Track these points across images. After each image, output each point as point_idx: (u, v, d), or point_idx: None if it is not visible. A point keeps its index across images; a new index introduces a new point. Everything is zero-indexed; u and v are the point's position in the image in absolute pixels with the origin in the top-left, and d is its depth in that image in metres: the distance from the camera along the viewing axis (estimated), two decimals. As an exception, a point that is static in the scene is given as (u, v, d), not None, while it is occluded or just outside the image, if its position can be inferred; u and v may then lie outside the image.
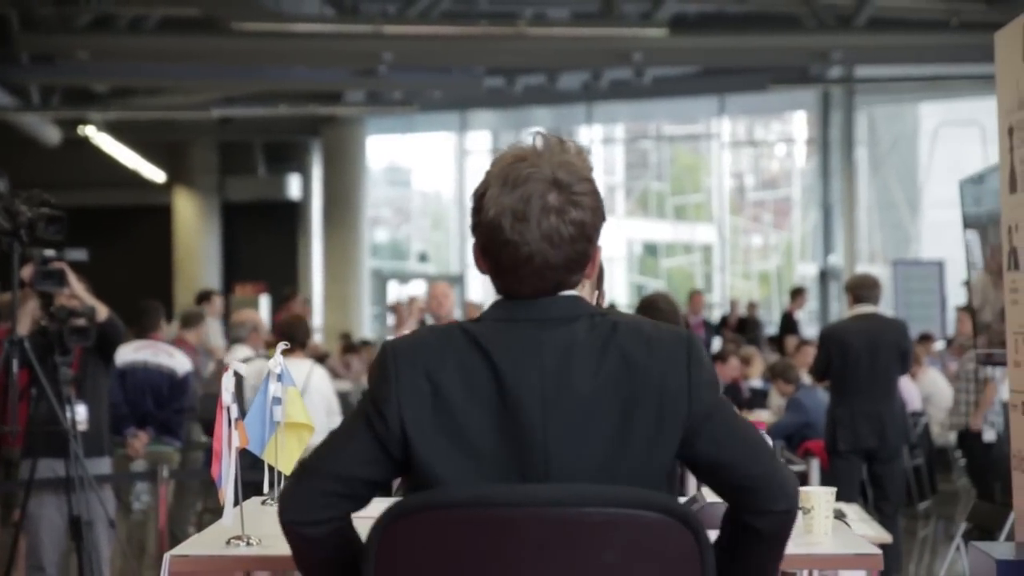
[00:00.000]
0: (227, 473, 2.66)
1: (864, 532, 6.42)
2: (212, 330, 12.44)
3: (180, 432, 8.35)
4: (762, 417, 10.48)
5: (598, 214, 2.41)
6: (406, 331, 4.36)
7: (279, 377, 3.18)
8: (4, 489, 7.59)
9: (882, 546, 7.04)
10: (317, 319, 20.41)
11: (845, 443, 7.68)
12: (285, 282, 20.02)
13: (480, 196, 2.40)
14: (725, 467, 2.33)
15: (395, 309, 13.77)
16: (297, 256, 22.46)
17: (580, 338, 2.35)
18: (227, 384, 2.68)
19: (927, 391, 11.74)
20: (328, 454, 2.34)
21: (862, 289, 7.99)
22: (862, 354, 7.75)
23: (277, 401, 3.17)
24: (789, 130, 24.00)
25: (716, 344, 14.73)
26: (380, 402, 2.31)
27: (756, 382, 11.72)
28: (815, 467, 7.54)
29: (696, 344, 2.38)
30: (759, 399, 11.35)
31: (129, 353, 8.14)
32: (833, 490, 2.79)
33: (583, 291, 2.49)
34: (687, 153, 24.36)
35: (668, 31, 15.25)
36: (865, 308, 7.95)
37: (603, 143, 23.68)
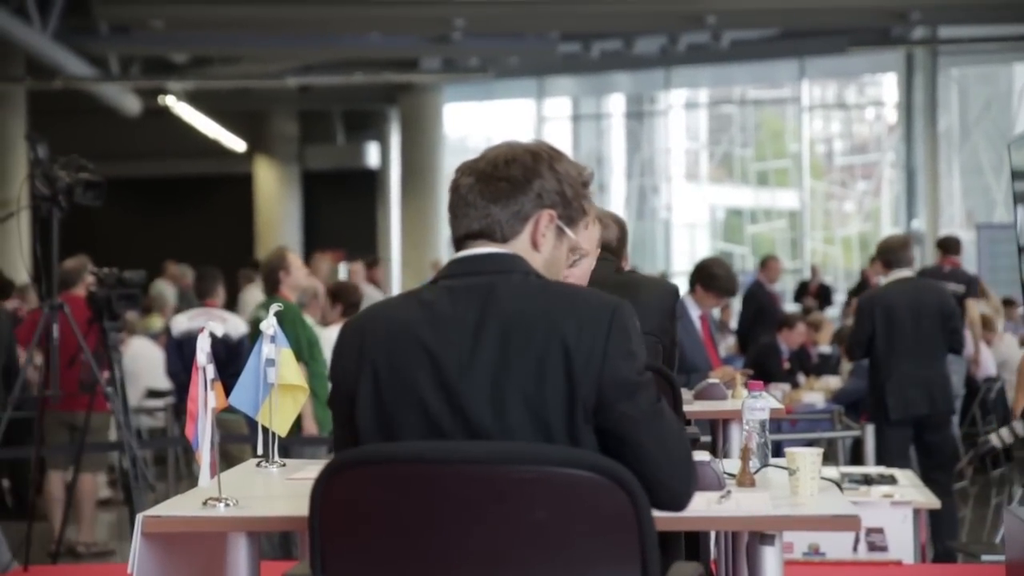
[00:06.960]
0: (203, 435, 2.66)
1: (914, 498, 6.35)
2: None
3: None
4: (831, 384, 10.36)
5: (555, 180, 2.46)
6: None
7: (272, 339, 3.20)
8: (68, 452, 7.69)
9: (935, 512, 6.94)
10: (395, 286, 20.49)
11: (896, 412, 7.48)
12: (365, 250, 20.09)
13: None
14: (628, 454, 2.30)
15: None
16: (376, 224, 22.56)
17: (502, 293, 2.36)
18: (203, 345, 2.67)
19: (1002, 356, 11.50)
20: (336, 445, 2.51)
21: (892, 253, 7.76)
22: (907, 319, 7.56)
23: (271, 363, 3.19)
24: (879, 93, 23.55)
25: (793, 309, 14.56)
26: (331, 378, 2.49)
27: (825, 348, 11.61)
28: (870, 433, 7.43)
29: (622, 314, 2.35)
30: (828, 364, 11.26)
31: (185, 322, 8.19)
32: (820, 451, 2.72)
33: (538, 262, 2.47)
34: (773, 118, 24.03)
35: (742, -7, 15.09)
36: (901, 273, 7.76)
37: (684, 108, 23.44)
